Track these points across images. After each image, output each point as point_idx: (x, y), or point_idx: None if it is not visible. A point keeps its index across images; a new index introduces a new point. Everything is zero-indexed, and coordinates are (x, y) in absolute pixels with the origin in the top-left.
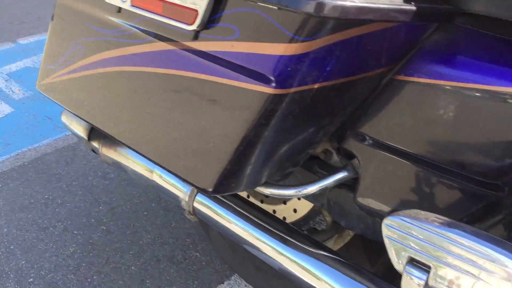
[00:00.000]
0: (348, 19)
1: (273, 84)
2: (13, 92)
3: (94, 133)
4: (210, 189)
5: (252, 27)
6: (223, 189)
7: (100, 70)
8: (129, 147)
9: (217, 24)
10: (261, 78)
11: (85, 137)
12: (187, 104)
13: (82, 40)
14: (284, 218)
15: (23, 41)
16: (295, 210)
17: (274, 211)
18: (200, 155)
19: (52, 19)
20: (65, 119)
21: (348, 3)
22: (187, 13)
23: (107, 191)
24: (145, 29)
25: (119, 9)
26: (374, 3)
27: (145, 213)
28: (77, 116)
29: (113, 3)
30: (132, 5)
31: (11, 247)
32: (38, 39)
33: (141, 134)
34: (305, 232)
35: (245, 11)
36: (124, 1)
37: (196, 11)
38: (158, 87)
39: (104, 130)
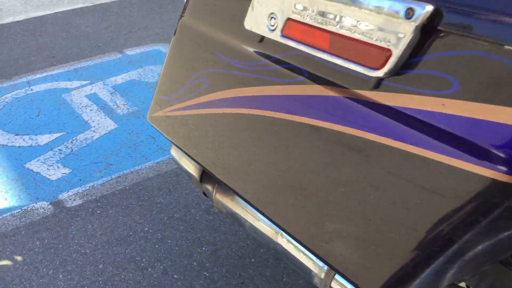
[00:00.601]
0: None
1: (504, 168)
2: (118, 106)
3: (207, 174)
4: None
5: (482, 79)
6: None
7: (227, 110)
8: (254, 207)
9: (419, 70)
10: (485, 156)
11: (197, 177)
12: (354, 172)
13: (206, 72)
14: None
15: (130, 51)
16: None
17: None
18: (365, 244)
19: (172, 43)
20: (175, 153)
21: None
22: (373, 53)
23: (210, 229)
24: (297, 66)
25: (262, 39)
26: None
27: (253, 260)
28: (192, 158)
29: (256, 31)
30: (283, 36)
31: None
32: (145, 50)
33: (273, 196)
34: None
35: (473, 55)
36: (273, 30)
37: (388, 51)
38: (308, 142)
39: (223, 180)
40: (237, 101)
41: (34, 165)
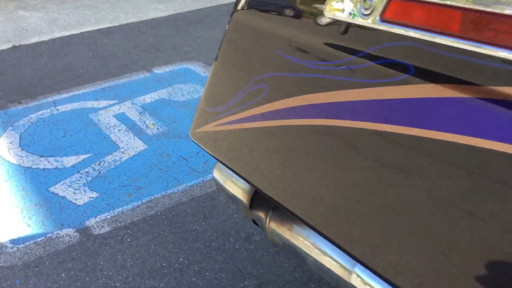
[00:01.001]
0: None
1: None
2: (147, 126)
3: (258, 198)
4: None
5: None
6: None
7: (295, 121)
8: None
9: None
10: None
11: (246, 203)
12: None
13: (267, 77)
14: None
15: (158, 70)
16: None
17: None
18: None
19: (223, 45)
20: (219, 175)
21: None
22: None
23: (252, 260)
24: (399, 61)
25: (346, 30)
26: None
27: None
28: (245, 180)
29: (341, 19)
30: (383, 20)
31: None
32: (173, 68)
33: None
34: None
35: None
36: (367, 14)
37: None
38: (411, 160)
39: (284, 203)
40: (309, 110)
41: (59, 189)
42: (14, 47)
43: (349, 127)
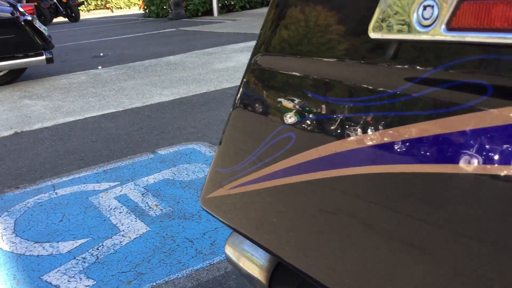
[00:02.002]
0: None
1: None
2: (150, 207)
3: (279, 277)
4: None
5: None
6: None
7: (333, 173)
8: None
9: None
10: None
11: (264, 282)
12: None
13: (293, 123)
14: None
15: (162, 151)
16: None
17: None
18: None
19: (240, 96)
20: (231, 251)
21: None
22: None
23: None
24: (472, 82)
25: (396, 52)
26: None
27: None
28: (268, 251)
29: (392, 37)
30: (451, 29)
31: None
32: (179, 149)
33: None
34: None
35: None
36: (428, 26)
37: None
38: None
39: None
40: (351, 157)
41: (53, 277)
42: (16, 133)
43: (407, 172)
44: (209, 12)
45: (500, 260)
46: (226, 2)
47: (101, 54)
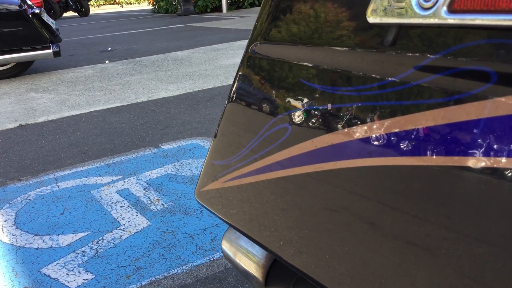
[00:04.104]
0: None
1: None
2: (151, 202)
3: (275, 273)
4: None
5: None
6: None
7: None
8: None
9: None
10: None
11: (260, 279)
12: None
13: (289, 114)
14: None
15: (166, 146)
16: None
17: None
18: None
19: (236, 86)
20: (228, 247)
21: None
22: None
23: None
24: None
25: (396, 36)
26: None
27: None
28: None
29: (391, 21)
30: (452, 11)
31: None
32: (182, 144)
33: None
34: None
35: None
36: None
37: None
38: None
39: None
40: (348, 149)
41: (51, 270)
42: (21, 126)
43: (408, 165)
44: (218, 8)
45: (505, 257)
46: None
47: (109, 49)
